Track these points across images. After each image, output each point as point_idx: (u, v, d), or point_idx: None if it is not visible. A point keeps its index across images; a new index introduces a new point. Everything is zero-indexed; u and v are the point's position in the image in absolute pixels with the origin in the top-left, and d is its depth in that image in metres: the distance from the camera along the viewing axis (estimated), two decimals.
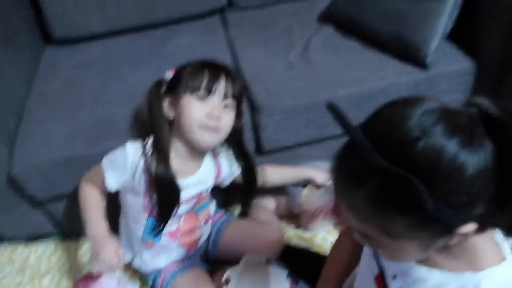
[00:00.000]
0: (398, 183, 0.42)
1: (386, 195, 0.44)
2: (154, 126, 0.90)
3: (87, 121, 1.05)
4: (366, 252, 0.70)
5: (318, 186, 1.10)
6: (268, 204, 1.19)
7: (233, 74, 0.92)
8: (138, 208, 0.93)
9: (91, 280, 1.03)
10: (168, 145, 0.89)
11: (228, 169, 1.01)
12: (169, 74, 0.93)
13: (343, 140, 1.18)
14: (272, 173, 1.07)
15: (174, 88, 0.89)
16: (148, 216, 0.94)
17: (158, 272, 1.01)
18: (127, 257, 1.01)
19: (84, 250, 1.18)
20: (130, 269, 1.07)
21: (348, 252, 0.78)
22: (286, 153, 1.15)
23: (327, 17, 1.29)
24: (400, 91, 1.08)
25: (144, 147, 0.89)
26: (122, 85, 1.15)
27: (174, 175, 0.88)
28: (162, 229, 0.94)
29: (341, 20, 1.26)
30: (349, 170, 0.47)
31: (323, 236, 1.15)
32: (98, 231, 0.90)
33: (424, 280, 0.55)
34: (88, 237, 0.91)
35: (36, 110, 1.10)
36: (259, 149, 1.11)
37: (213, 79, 0.87)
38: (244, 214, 1.10)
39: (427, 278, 0.54)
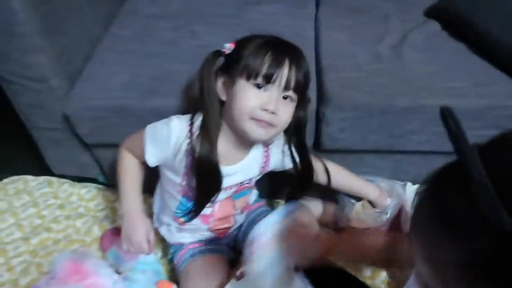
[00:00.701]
0: None
1: (496, 267, 0.30)
2: (204, 105, 0.79)
3: (149, 72, 1.00)
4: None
5: (373, 205, 0.95)
6: (314, 207, 1.07)
7: (301, 60, 0.76)
8: (175, 186, 0.87)
9: (118, 234, 1.01)
10: (217, 129, 0.79)
11: (278, 161, 0.90)
12: (228, 47, 0.79)
13: (416, 158, 1.02)
14: (334, 174, 0.94)
15: (231, 67, 0.76)
16: (183, 196, 0.88)
17: (180, 246, 0.95)
18: (155, 225, 0.97)
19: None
20: (156, 236, 1.03)
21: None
22: (347, 157, 1.01)
23: (434, 12, 1.10)
24: (507, 118, 0.87)
25: (191, 126, 0.79)
26: (193, 43, 1.09)
27: (218, 162, 0.79)
28: (197, 214, 0.88)
29: (450, 18, 1.06)
30: (448, 214, 0.34)
31: None
32: (132, 207, 0.86)
33: None
34: (121, 210, 0.87)
35: (105, 52, 1.08)
36: (317, 146, 0.99)
37: (275, 65, 0.73)
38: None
39: None
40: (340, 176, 0.95)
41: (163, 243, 1.03)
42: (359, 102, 0.90)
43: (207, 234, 0.95)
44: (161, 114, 0.87)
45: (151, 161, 0.83)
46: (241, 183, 0.88)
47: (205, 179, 0.81)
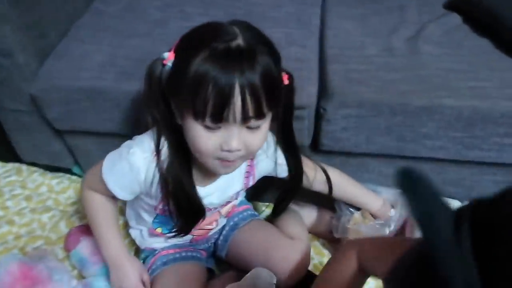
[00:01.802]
0: None
1: None
2: (164, 129, 0.64)
3: (129, 53, 0.89)
4: None
5: (374, 216, 0.83)
6: (308, 214, 0.95)
7: (258, 69, 0.55)
8: (151, 207, 0.75)
9: (85, 234, 0.90)
10: (188, 160, 0.66)
11: (269, 167, 0.77)
12: (167, 58, 0.61)
13: (427, 167, 0.89)
14: (332, 180, 0.82)
15: (175, 92, 0.59)
16: (160, 215, 0.76)
17: (152, 252, 0.83)
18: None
19: None
20: (127, 238, 0.92)
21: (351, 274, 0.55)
22: (348, 160, 0.89)
23: (455, 3, 0.98)
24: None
25: (157, 155, 0.65)
26: (183, 25, 0.93)
27: (198, 197, 0.69)
28: (180, 236, 0.77)
29: (473, 10, 0.94)
30: None
31: None
32: (116, 253, 0.75)
33: None
34: (103, 257, 0.77)
35: (83, 29, 0.96)
36: (315, 146, 0.87)
37: (222, 102, 0.54)
38: (274, 215, 0.87)
39: None
40: (339, 182, 0.83)
41: (134, 245, 0.91)
42: (366, 98, 0.78)
43: (184, 238, 0.83)
44: (138, 99, 0.75)
45: (127, 198, 0.72)
46: (224, 203, 0.77)
47: (185, 212, 0.70)
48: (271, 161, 0.75)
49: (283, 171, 0.77)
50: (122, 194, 0.71)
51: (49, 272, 0.74)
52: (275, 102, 0.59)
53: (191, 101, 0.55)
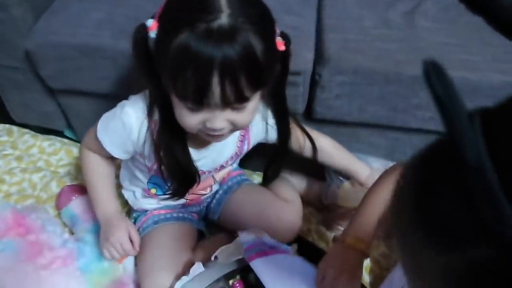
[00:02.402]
0: None
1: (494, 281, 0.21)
2: (158, 91, 0.62)
3: (127, 12, 0.88)
4: None
5: (362, 184, 0.85)
6: (298, 183, 0.96)
7: (244, 57, 0.52)
8: (145, 167, 0.76)
9: (77, 193, 0.91)
10: (180, 131, 0.64)
11: (261, 134, 0.77)
12: (151, 26, 0.57)
13: (416, 138, 0.90)
14: (322, 146, 0.84)
15: (160, 64, 0.58)
16: (155, 175, 0.77)
17: (144, 212, 0.84)
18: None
19: None
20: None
21: None
22: (339, 130, 0.90)
23: None
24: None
25: (149, 119, 0.65)
26: None
27: (191, 160, 0.68)
28: (175, 199, 0.78)
29: None
30: (432, 214, 0.24)
31: None
32: (108, 211, 0.76)
33: None
34: (96, 214, 0.77)
35: None
36: (308, 114, 0.88)
37: (201, 88, 0.53)
38: (265, 181, 0.88)
39: None
40: (329, 150, 0.85)
41: (126, 206, 0.91)
42: (361, 66, 0.79)
43: (177, 201, 0.83)
44: None
45: (122, 156, 0.73)
46: (217, 168, 0.77)
47: (178, 176, 0.71)
48: (263, 122, 0.75)
49: (273, 134, 0.77)
50: (116, 152, 0.72)
51: (42, 222, 0.74)
52: (261, 83, 0.57)
53: (172, 83, 0.55)
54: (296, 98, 0.84)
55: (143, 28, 0.58)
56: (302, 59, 0.81)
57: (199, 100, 0.54)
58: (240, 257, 0.69)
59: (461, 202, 0.22)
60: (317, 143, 0.83)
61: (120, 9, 0.89)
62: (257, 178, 1.01)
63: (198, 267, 0.69)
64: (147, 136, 0.67)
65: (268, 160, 0.83)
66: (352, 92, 0.81)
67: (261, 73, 0.56)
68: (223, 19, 0.52)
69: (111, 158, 0.77)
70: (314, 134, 0.84)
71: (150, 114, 0.65)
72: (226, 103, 0.55)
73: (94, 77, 0.88)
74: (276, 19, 0.67)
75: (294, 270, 0.68)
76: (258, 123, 0.75)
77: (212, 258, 0.70)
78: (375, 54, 0.81)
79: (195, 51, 0.51)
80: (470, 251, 0.22)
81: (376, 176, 0.85)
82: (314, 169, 0.93)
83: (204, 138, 0.64)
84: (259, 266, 0.66)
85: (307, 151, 0.83)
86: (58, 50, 0.85)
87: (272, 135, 0.77)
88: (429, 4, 0.95)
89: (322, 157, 0.85)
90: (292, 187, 0.92)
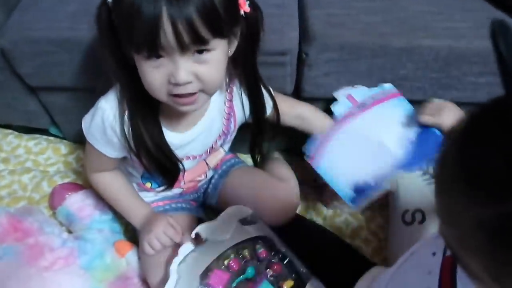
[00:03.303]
0: None
1: None
2: (122, 76, 0.61)
3: None
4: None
5: None
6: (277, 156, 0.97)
7: None
8: (134, 164, 0.74)
9: (71, 190, 0.90)
10: (152, 104, 0.63)
11: (241, 112, 0.76)
12: None
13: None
14: (311, 120, 0.83)
15: (118, 25, 0.57)
16: (144, 171, 0.76)
17: None
18: None
19: (77, 156, 1.04)
20: None
21: None
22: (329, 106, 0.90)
23: None
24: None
25: (121, 100, 0.63)
26: None
27: (168, 145, 0.67)
28: (168, 189, 0.78)
29: None
30: (479, 168, 0.26)
31: (346, 219, 0.93)
32: (142, 216, 0.77)
33: None
34: (137, 228, 0.78)
35: None
36: (298, 93, 0.88)
37: (149, 27, 0.51)
38: (254, 162, 0.88)
39: None
40: (306, 115, 0.84)
41: None
42: (348, 41, 0.79)
43: (174, 191, 0.84)
44: None
45: (119, 155, 0.71)
46: (211, 148, 0.76)
47: (161, 165, 0.69)
48: (240, 99, 0.74)
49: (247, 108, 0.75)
50: (111, 152, 0.71)
51: (40, 224, 0.73)
52: (218, 28, 0.55)
53: (127, 34, 0.54)
54: (284, 78, 0.83)
55: (103, 2, 0.58)
56: (287, 38, 0.80)
57: (152, 42, 0.52)
58: (228, 236, 0.69)
59: (505, 159, 0.24)
60: (296, 111, 0.83)
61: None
62: (251, 161, 1.01)
63: (187, 247, 0.69)
64: (124, 126, 0.65)
65: (250, 138, 0.82)
66: (340, 68, 0.81)
67: (217, 15, 0.54)
68: None
69: (117, 168, 0.77)
70: (292, 102, 0.84)
71: (122, 101, 0.63)
72: (182, 45, 0.52)
73: (74, 72, 0.85)
74: None
75: None
76: (237, 101, 0.74)
77: (192, 235, 0.70)
78: (360, 28, 0.80)
79: None
80: (506, 205, 0.24)
81: None
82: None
83: (175, 107, 0.61)
84: None
85: (288, 119, 0.82)
86: (34, 46, 0.82)
87: (248, 112, 0.76)
88: None
89: (302, 124, 0.84)
90: (287, 166, 0.93)
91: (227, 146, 0.85)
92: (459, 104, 0.87)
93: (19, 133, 1.07)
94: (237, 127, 0.79)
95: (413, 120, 0.81)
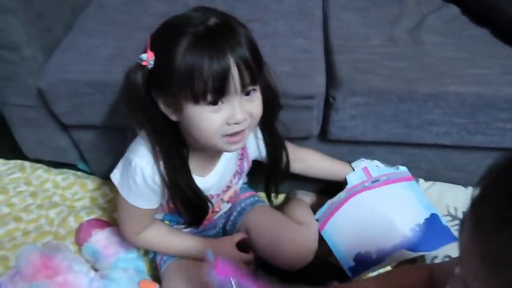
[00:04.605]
0: None
1: None
2: (153, 133, 0.65)
3: (136, 46, 0.86)
4: None
5: None
6: (305, 198, 0.97)
7: (242, 41, 0.58)
8: (160, 205, 0.76)
9: (97, 227, 0.91)
10: (182, 155, 0.68)
11: (255, 151, 0.80)
12: (146, 58, 0.60)
13: (431, 153, 0.89)
14: (312, 160, 0.89)
15: (166, 87, 0.60)
16: (167, 213, 0.79)
17: None
18: None
19: (103, 192, 1.05)
20: None
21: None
22: (355, 149, 0.91)
23: None
24: None
25: (156, 156, 0.66)
26: None
27: (199, 188, 0.70)
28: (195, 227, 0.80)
29: (471, 3, 0.97)
30: None
31: None
32: (203, 248, 0.77)
33: None
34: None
35: (88, 22, 0.96)
36: (324, 135, 0.89)
37: (221, 75, 0.56)
38: (268, 199, 0.89)
39: None
40: (317, 160, 0.89)
41: None
42: (374, 86, 0.80)
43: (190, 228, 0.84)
44: None
45: (160, 203, 0.73)
46: (227, 186, 0.79)
47: (192, 207, 0.72)
48: (255, 138, 0.78)
49: (263, 147, 0.79)
50: (154, 204, 0.73)
51: (69, 262, 0.74)
52: (262, 66, 0.63)
53: (189, 86, 0.57)
54: (311, 121, 0.85)
55: (138, 65, 0.61)
56: (314, 82, 0.82)
57: (221, 88, 0.57)
58: None
59: None
60: (297, 153, 0.85)
61: (128, 44, 0.89)
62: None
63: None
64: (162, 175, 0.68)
65: (266, 177, 0.85)
66: (367, 112, 0.82)
67: (260, 55, 0.62)
68: (213, 19, 0.59)
69: (154, 219, 0.78)
70: (295, 146, 0.87)
71: (154, 153, 0.66)
72: (243, 86, 0.58)
73: (106, 111, 0.88)
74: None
75: None
76: (251, 140, 0.78)
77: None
78: (386, 73, 0.82)
79: (206, 46, 0.56)
80: None
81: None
82: (325, 185, 0.94)
83: (223, 148, 0.64)
84: None
85: (293, 165, 0.84)
86: (70, 87, 0.85)
87: (264, 152, 0.80)
88: (432, 18, 0.96)
89: (304, 167, 0.88)
90: (308, 209, 0.92)
91: (240, 182, 0.86)
92: (487, 149, 0.87)
93: (48, 167, 1.10)
94: (250, 165, 0.82)
95: (422, 205, 0.83)
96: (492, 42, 0.89)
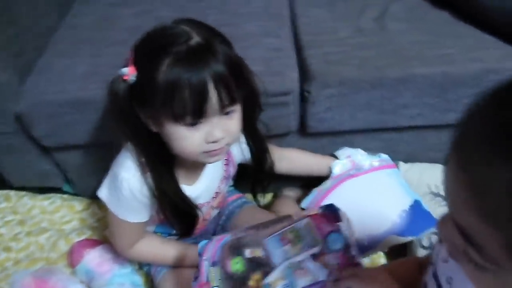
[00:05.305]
0: None
1: None
2: (138, 144, 0.65)
3: (111, 61, 0.88)
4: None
5: None
6: (292, 194, 0.99)
7: (220, 59, 0.58)
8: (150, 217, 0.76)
9: (88, 247, 0.90)
10: (168, 164, 0.68)
11: (239, 155, 0.81)
12: (128, 73, 0.61)
13: (408, 136, 0.90)
14: (294, 158, 0.89)
15: (146, 103, 0.60)
16: (158, 225, 0.79)
17: None
18: None
19: (91, 212, 1.05)
20: None
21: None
22: (335, 140, 0.93)
23: None
24: (500, 80, 0.82)
25: (141, 168, 0.67)
26: None
27: (187, 197, 0.71)
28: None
29: None
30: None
31: None
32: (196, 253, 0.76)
33: None
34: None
35: (60, 43, 0.97)
36: (303, 129, 0.91)
37: (200, 97, 0.56)
38: (254, 199, 0.90)
39: None
40: (299, 158, 0.90)
41: None
42: (346, 76, 0.83)
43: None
44: None
45: (147, 216, 0.73)
46: (216, 192, 0.80)
47: (181, 216, 0.73)
48: (238, 143, 0.78)
49: (247, 150, 0.80)
50: (145, 216, 0.73)
51: (63, 283, 0.73)
52: (243, 83, 0.63)
53: (169, 106, 0.57)
54: (289, 116, 0.86)
55: (120, 78, 0.62)
56: (288, 78, 0.84)
57: (199, 110, 0.57)
58: None
59: None
60: (278, 152, 0.86)
61: (102, 60, 0.90)
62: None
63: None
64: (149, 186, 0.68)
65: (252, 179, 0.86)
66: (341, 102, 0.84)
67: (242, 73, 0.63)
68: (196, 38, 0.58)
69: (145, 231, 0.78)
70: (276, 147, 0.87)
71: (140, 165, 0.66)
72: (222, 107, 0.59)
73: (87, 130, 0.89)
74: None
75: None
76: (234, 145, 0.78)
77: None
78: (356, 63, 0.84)
79: (186, 68, 0.56)
80: None
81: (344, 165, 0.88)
82: (310, 179, 0.95)
83: (204, 161, 0.66)
84: None
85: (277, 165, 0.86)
86: (48, 108, 0.85)
87: (248, 154, 0.81)
88: (395, 6, 1.00)
89: (288, 165, 0.89)
90: (294, 205, 0.94)
91: (227, 186, 0.87)
92: None
93: (34, 194, 1.09)
94: (236, 168, 0.83)
95: (406, 192, 0.86)
96: (453, 23, 0.92)
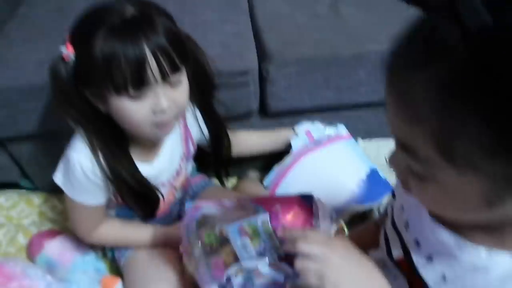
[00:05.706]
0: (503, 63, 0.25)
1: (471, 80, 0.27)
2: (87, 125, 0.65)
3: None
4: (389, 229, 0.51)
5: None
6: (256, 175, 1.00)
7: (158, 29, 0.58)
8: (109, 200, 0.76)
9: (48, 237, 0.88)
10: (121, 142, 0.68)
11: (198, 134, 0.81)
12: (65, 51, 0.60)
13: (365, 113, 0.94)
14: (247, 139, 0.91)
15: (89, 80, 0.60)
16: (117, 207, 0.78)
17: None
18: None
19: (51, 205, 1.02)
20: None
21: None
22: (296, 119, 0.95)
23: None
24: None
25: (93, 149, 0.65)
26: None
27: (145, 178, 0.70)
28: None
29: None
30: (423, 33, 0.32)
31: None
32: (157, 236, 0.78)
33: (484, 268, 0.35)
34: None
35: (14, 32, 0.95)
36: (264, 110, 0.93)
37: (139, 66, 0.56)
38: (221, 183, 0.91)
39: (489, 266, 0.35)
40: (252, 138, 0.92)
41: None
42: (303, 55, 0.85)
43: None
44: None
45: (105, 199, 0.72)
46: (176, 171, 0.79)
47: (140, 196, 0.72)
48: (195, 122, 0.80)
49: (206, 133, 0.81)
50: (101, 199, 0.72)
51: (22, 268, 0.71)
52: (186, 54, 0.63)
53: (109, 80, 0.57)
54: (249, 96, 0.88)
55: (60, 59, 0.61)
56: (246, 59, 0.86)
57: (139, 79, 0.57)
58: None
59: (446, 21, 0.29)
60: (242, 137, 0.88)
61: (57, 47, 0.88)
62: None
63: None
64: (102, 167, 0.67)
65: (213, 161, 0.87)
66: (299, 81, 0.87)
67: (183, 43, 0.62)
68: (130, 9, 0.58)
69: (105, 214, 0.77)
70: (238, 132, 0.89)
71: (92, 146, 0.66)
72: (164, 76, 0.59)
73: (42, 117, 0.86)
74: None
75: None
76: (193, 124, 0.80)
77: None
78: (313, 43, 0.88)
79: (121, 38, 0.56)
80: (451, 57, 0.28)
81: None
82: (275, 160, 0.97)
83: (154, 136, 0.66)
84: None
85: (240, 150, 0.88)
86: (1, 96, 0.83)
87: (207, 135, 0.82)
88: None
89: (255, 147, 0.91)
90: (259, 184, 0.95)
91: (189, 167, 0.87)
92: None
93: None
94: (195, 147, 0.83)
95: (362, 161, 0.89)
96: (402, 5, 0.97)
